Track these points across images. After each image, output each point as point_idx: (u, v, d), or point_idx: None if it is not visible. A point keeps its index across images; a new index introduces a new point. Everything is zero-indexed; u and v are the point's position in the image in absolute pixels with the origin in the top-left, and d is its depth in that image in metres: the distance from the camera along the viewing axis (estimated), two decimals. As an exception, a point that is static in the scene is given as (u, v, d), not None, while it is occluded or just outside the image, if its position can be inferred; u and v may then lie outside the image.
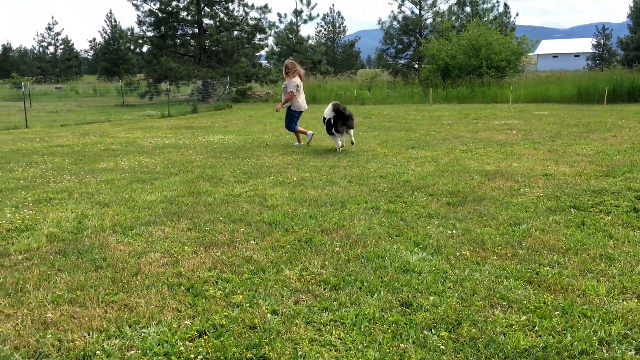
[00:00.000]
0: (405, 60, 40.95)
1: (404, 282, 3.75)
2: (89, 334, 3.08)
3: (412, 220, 5.40)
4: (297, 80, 11.60)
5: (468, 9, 40.38)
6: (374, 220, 5.40)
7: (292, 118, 11.79)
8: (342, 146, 10.60)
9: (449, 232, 4.93)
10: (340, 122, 10.33)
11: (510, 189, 6.66)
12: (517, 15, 50.98)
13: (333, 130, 10.42)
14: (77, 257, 4.43)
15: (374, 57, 54.09)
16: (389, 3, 42.62)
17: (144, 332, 3.08)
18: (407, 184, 7.13)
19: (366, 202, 6.16)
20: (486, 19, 35.96)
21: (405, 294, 3.55)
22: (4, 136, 14.84)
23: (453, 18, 38.01)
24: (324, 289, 3.69)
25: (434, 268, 4.02)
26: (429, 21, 39.62)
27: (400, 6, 39.84)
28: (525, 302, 3.41)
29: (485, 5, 40.38)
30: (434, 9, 39.23)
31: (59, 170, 8.82)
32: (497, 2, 41.39)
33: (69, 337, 3.04)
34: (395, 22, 39.73)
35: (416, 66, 39.39)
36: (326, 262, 4.19)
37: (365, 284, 3.72)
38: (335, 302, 3.44)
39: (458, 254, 4.33)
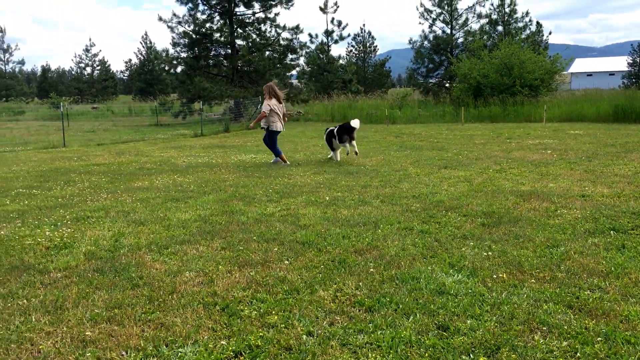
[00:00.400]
0: (436, 79, 40.87)
1: (440, 304, 3.70)
2: (126, 353, 3.11)
3: (446, 241, 5.34)
4: (272, 102, 11.87)
5: (500, 28, 40.20)
6: (408, 241, 5.36)
7: (272, 138, 12.12)
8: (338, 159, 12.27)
9: (485, 253, 4.86)
10: (345, 133, 12.10)
11: (546, 210, 6.55)
12: (550, 33, 50.41)
13: (335, 144, 12.29)
14: (114, 275, 4.50)
15: (405, 76, 54.11)
16: (419, 23, 42.62)
17: (181, 352, 3.11)
18: (441, 204, 7.07)
19: (399, 223, 6.13)
20: (518, 37, 35.69)
21: (442, 317, 3.50)
22: (43, 155, 15.23)
23: (485, 37, 37.85)
24: (359, 310, 3.66)
25: (470, 290, 3.96)
26: (460, 40, 39.55)
27: (431, 26, 39.87)
28: (566, 327, 3.33)
29: (517, 24, 40.13)
30: (466, 28, 39.16)
31: (96, 189, 9.00)
32: (530, 21, 40.94)
33: (107, 355, 3.08)
34: (426, 42, 39.76)
35: (447, 85, 39.26)
36: (360, 283, 4.17)
37: (401, 306, 3.69)
38: (370, 324, 3.42)
39: (495, 276, 4.26)
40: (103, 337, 3.31)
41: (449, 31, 39.53)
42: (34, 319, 3.59)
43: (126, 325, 3.48)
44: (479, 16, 39.24)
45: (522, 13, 41.31)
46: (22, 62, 78.54)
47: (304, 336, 3.27)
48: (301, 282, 4.24)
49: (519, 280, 4.17)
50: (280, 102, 12.05)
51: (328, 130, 12.69)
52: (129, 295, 4.02)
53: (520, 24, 40.38)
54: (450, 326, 3.37)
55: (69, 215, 6.88)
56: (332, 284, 4.17)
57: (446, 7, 39.09)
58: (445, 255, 4.86)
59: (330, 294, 3.97)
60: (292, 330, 3.36)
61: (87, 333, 3.36)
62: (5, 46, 70.85)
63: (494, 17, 40.72)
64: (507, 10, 40.68)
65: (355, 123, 12.10)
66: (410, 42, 40.62)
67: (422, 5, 39.57)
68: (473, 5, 38.85)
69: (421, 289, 4.00)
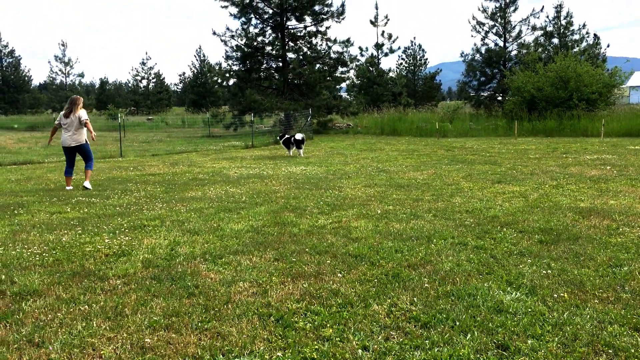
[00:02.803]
0: (489, 93, 40.22)
1: (499, 323, 3.61)
2: (184, 361, 3.16)
3: (502, 257, 5.22)
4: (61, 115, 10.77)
5: (556, 40, 39.32)
6: (462, 257, 5.27)
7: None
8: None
9: (544, 271, 4.72)
10: (300, 142, 17.98)
11: (607, 228, 6.32)
12: (608, 46, 48.82)
13: (291, 147, 18.07)
14: (171, 283, 4.58)
15: (456, 89, 53.53)
16: (472, 35, 42.06)
17: (237, 362, 3.13)
18: (495, 220, 6.93)
19: (453, 237, 6.03)
20: (575, 50, 34.81)
21: (501, 336, 3.41)
22: (101, 164, 15.73)
23: (540, 50, 37.07)
24: (415, 326, 3.61)
25: (529, 309, 3.85)
26: (513, 53, 38.83)
27: (483, 38, 39.34)
28: (632, 350, 3.20)
29: (574, 37, 39.18)
30: (519, 41, 38.44)
31: (152, 198, 9.22)
32: (587, 33, 39.89)
33: (166, 362, 3.13)
34: (478, 55, 39.23)
35: (500, 98, 38.59)
36: (415, 298, 4.12)
37: (458, 323, 3.61)
38: (427, 341, 3.36)
39: (555, 295, 4.13)
40: (162, 344, 3.37)
41: (502, 44, 38.89)
42: (95, 325, 3.68)
43: (183, 333, 3.54)
44: (534, 28, 38.46)
45: (579, 25, 40.27)
46: (81, 75, 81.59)
47: (360, 350, 3.25)
48: (355, 295, 4.22)
49: (581, 300, 4.03)
50: (67, 117, 10.58)
51: (286, 137, 18.34)
52: (185, 303, 4.09)
53: (577, 36, 39.41)
54: (510, 346, 3.28)
55: (126, 224, 7.06)
56: (386, 299, 4.13)
57: (499, 20, 38.50)
58: (502, 272, 4.74)
59: (385, 308, 3.93)
60: (347, 344, 3.34)
61: (146, 340, 3.43)
62: (66, 59, 73.79)
63: (549, 29, 39.89)
64: (563, 22, 39.80)
65: (298, 136, 18.03)
66: (461, 55, 40.18)
67: (474, 18, 39.10)
68: (527, 17, 38.09)
69: (478, 306, 3.91)
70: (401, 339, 3.41)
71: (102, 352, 3.27)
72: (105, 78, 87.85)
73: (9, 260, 5.30)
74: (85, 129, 10.64)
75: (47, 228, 6.84)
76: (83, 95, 77.39)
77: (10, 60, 70.53)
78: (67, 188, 10.58)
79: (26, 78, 72.11)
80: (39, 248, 5.78)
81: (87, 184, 10.61)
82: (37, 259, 5.37)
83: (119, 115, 25.44)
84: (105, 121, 47.28)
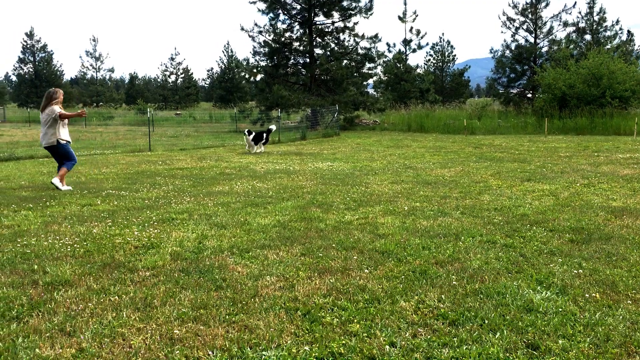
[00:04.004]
0: (518, 90, 39.68)
1: (529, 322, 3.56)
2: (213, 353, 3.18)
3: (532, 256, 5.15)
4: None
5: (588, 37, 38.58)
6: (491, 255, 5.21)
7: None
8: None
9: (575, 271, 4.64)
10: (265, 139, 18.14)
11: (641, 228, 6.18)
12: (642, 42, 47.88)
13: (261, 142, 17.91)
14: (199, 276, 4.62)
15: (484, 86, 52.91)
16: (501, 32, 41.53)
17: (265, 355, 3.14)
18: (525, 218, 6.83)
19: (481, 235, 5.97)
20: (608, 46, 34.10)
21: (531, 335, 3.36)
22: (130, 158, 15.95)
23: (571, 46, 36.41)
24: (442, 323, 3.58)
25: (560, 309, 3.78)
26: (544, 49, 38.23)
27: (514, 34, 38.80)
28: (667, 353, 3.12)
29: (607, 33, 38.37)
30: (550, 37, 37.82)
31: (180, 192, 9.31)
32: (620, 29, 39.07)
33: (195, 354, 3.16)
34: (508, 51, 38.72)
35: (529, 95, 38.03)
36: (443, 296, 4.08)
37: (487, 322, 3.57)
38: (455, 339, 3.33)
39: (587, 295, 4.05)
40: (190, 336, 3.40)
41: (532, 40, 38.32)
42: (125, 315, 3.74)
43: (211, 325, 3.56)
44: (565, 24, 37.81)
45: (612, 21, 39.54)
46: (112, 70, 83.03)
47: (387, 347, 3.23)
48: (382, 291, 4.20)
49: (614, 300, 3.95)
50: (42, 111, 9.78)
51: (257, 133, 18.02)
52: (213, 296, 4.12)
53: (610, 33, 38.61)
54: (540, 345, 3.23)
55: (155, 217, 7.14)
56: (413, 295, 4.10)
57: (530, 16, 37.93)
58: (531, 271, 4.68)
59: (412, 305, 3.91)
60: (374, 339, 3.33)
61: (175, 331, 3.46)
62: (97, 54, 74.97)
63: (582, 25, 39.17)
64: (595, 18, 39.04)
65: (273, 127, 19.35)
66: (491, 52, 39.70)
67: (504, 14, 38.68)
68: (559, 13, 37.48)
69: (507, 305, 3.86)
70: (429, 336, 3.38)
71: (132, 342, 3.32)
72: (134, 73, 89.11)
73: (42, 251, 5.40)
74: (59, 126, 9.59)
75: (78, 220, 6.95)
76: (113, 90, 78.72)
77: (43, 55, 71.92)
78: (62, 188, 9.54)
79: (58, 73, 73.48)
80: (70, 239, 5.88)
81: (55, 180, 9.53)
82: (69, 249, 5.47)
83: (148, 109, 25.75)
84: (134, 116, 47.98)
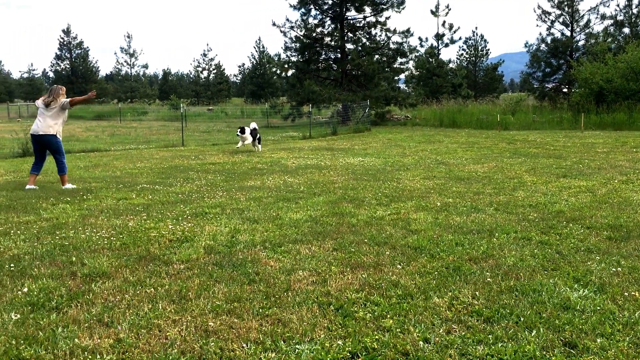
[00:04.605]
0: (553, 84, 38.91)
1: (566, 320, 3.49)
2: (247, 345, 3.21)
3: (568, 253, 5.05)
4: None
5: (627, 30, 37.56)
6: (526, 252, 5.13)
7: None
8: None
9: (613, 269, 4.54)
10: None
11: (682, 226, 6.00)
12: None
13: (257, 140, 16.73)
14: (232, 269, 4.66)
15: (518, 80, 52.07)
16: (537, 25, 40.77)
17: (298, 349, 3.16)
18: (561, 215, 6.71)
19: (516, 232, 5.88)
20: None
21: (568, 334, 3.30)
22: (164, 153, 16.18)
23: (609, 39, 35.51)
24: (477, 320, 3.54)
25: (598, 308, 3.71)
26: (581, 43, 37.39)
27: (549, 28, 38.03)
28: None
29: (646, 25, 37.31)
30: (587, 30, 36.97)
31: (212, 187, 9.40)
32: (661, 21, 37.94)
33: (229, 346, 3.19)
34: (543, 45, 37.98)
35: (565, 90, 37.27)
36: (477, 292, 4.04)
37: (522, 319, 3.52)
38: (490, 336, 3.29)
39: (626, 294, 3.96)
40: (224, 328, 3.44)
41: (568, 33, 37.51)
42: (160, 307, 3.79)
43: (245, 318, 3.60)
44: (603, 17, 36.90)
45: (652, 13, 38.34)
46: (145, 66, 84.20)
47: (421, 342, 3.21)
48: (415, 287, 4.18)
49: (654, 300, 3.85)
50: (44, 103, 9.59)
51: (253, 128, 16.77)
52: (246, 290, 4.15)
53: (650, 25, 37.50)
54: (578, 344, 3.17)
55: (188, 211, 7.23)
56: (447, 292, 4.07)
57: (566, 9, 37.13)
58: (568, 268, 4.59)
59: (446, 301, 3.87)
60: (408, 335, 3.31)
61: (209, 323, 3.50)
62: (131, 51, 76.16)
63: (620, 18, 38.15)
64: (634, 11, 37.98)
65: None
66: (525, 45, 39.00)
67: (539, 7, 37.83)
68: (596, 6, 36.64)
69: (544, 303, 3.80)
70: (463, 333, 3.35)
71: (167, 334, 3.37)
72: (168, 69, 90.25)
73: (79, 243, 5.52)
74: (61, 120, 9.55)
75: (114, 213, 7.08)
76: (147, 86, 79.83)
77: (79, 51, 73.43)
78: (27, 187, 9.24)
79: (94, 69, 74.95)
80: (107, 232, 6.00)
81: (67, 185, 9.39)
82: (106, 242, 5.57)
83: (181, 105, 26.06)
84: (167, 111, 48.62)
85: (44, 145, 9.54)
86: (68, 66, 72.81)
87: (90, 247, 5.38)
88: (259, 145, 16.93)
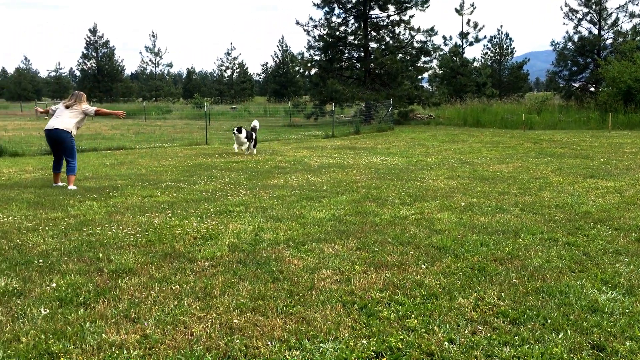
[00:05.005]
0: (580, 83, 38.27)
1: (594, 322, 3.44)
2: (271, 343, 3.22)
3: (596, 255, 4.97)
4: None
5: (656, 28, 36.74)
6: (553, 253, 5.06)
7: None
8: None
9: (643, 271, 4.46)
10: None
11: None
12: None
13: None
14: (256, 267, 4.68)
15: (544, 79, 51.42)
16: (563, 23, 40.21)
17: (323, 347, 3.16)
18: (588, 216, 6.60)
19: (542, 233, 5.81)
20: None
21: (597, 336, 3.25)
22: (188, 151, 16.32)
23: (638, 38, 34.82)
24: (503, 321, 3.51)
25: (627, 310, 3.64)
26: (609, 41, 36.70)
27: (576, 26, 37.39)
28: None
29: (676, 23, 36.48)
30: (616, 29, 36.27)
31: (236, 185, 9.46)
32: (692, 19, 37.03)
33: (254, 343, 3.21)
34: (570, 43, 37.36)
35: (592, 89, 36.64)
36: (502, 294, 4.00)
37: (549, 321, 3.48)
38: (516, 337, 3.26)
39: (656, 297, 3.88)
40: (249, 325, 3.45)
41: (596, 32, 36.85)
42: (186, 304, 3.83)
43: (269, 316, 3.61)
44: (632, 15, 36.13)
45: (683, 11, 37.45)
46: (170, 65, 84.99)
47: (446, 343, 3.19)
48: (439, 287, 4.15)
49: (686, 303, 3.77)
50: (66, 105, 9.65)
51: (253, 127, 15.67)
52: (270, 288, 4.17)
53: (680, 23, 36.66)
54: (606, 347, 3.12)
55: (212, 209, 7.28)
56: (472, 292, 4.03)
57: (594, 7, 36.46)
58: (596, 270, 4.52)
59: (471, 302, 3.84)
60: (432, 335, 3.29)
61: (234, 321, 3.53)
62: (156, 50, 76.92)
63: (649, 15, 37.34)
64: (665, 8, 37.15)
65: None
66: (552, 44, 38.41)
67: (566, 5, 37.22)
68: (625, 4, 35.85)
69: (571, 305, 3.75)
70: (489, 334, 3.32)
71: (193, 330, 3.40)
72: (192, 68, 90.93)
73: (106, 240, 5.60)
74: (80, 122, 9.57)
75: (140, 210, 7.17)
76: (171, 85, 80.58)
77: (105, 50, 74.47)
78: (54, 185, 9.46)
79: (119, 68, 75.97)
80: (133, 229, 6.07)
81: (71, 187, 9.17)
82: (131, 239, 5.64)
83: (205, 104, 26.25)
84: (191, 109, 49.02)
85: (56, 142, 9.46)
86: (94, 65, 73.90)
87: (117, 244, 5.46)
88: (254, 149, 15.51)
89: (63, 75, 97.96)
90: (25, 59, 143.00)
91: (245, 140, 15.00)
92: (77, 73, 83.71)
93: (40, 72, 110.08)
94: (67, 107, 9.56)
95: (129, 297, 3.97)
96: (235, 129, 15.13)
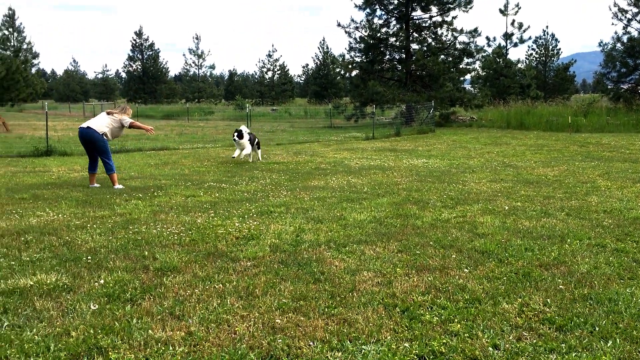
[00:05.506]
0: (629, 85, 37.10)
1: (645, 331, 3.34)
2: (313, 344, 3.24)
3: (647, 262, 4.82)
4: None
5: None
6: (601, 259, 4.93)
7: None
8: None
9: (697, 280, 4.30)
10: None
11: None
12: None
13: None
14: (297, 268, 4.71)
15: (591, 81, 50.08)
16: (612, 24, 39.07)
17: (365, 349, 3.16)
18: (638, 222, 6.41)
19: (589, 239, 5.66)
20: None
21: (648, 346, 3.15)
22: (229, 152, 16.50)
23: (691, 38, 33.56)
24: (549, 328, 3.44)
25: (680, 320, 3.52)
26: (660, 42, 35.44)
27: (626, 27, 36.26)
28: None
29: None
30: (667, 28, 35.04)
31: (277, 186, 9.53)
32: None
33: (296, 344, 3.23)
34: (618, 44, 36.28)
35: (642, 91, 35.47)
36: (548, 300, 3.91)
37: (597, 329, 3.39)
38: (563, 345, 3.19)
39: None
40: (291, 326, 3.48)
41: (646, 32, 35.67)
42: (229, 303, 3.88)
43: (311, 317, 3.63)
44: (685, 14, 34.87)
45: None
46: (212, 67, 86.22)
47: (490, 348, 3.15)
48: (482, 292, 4.09)
49: None
50: (108, 114, 9.80)
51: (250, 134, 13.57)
52: (312, 289, 4.19)
53: None
54: (658, 357, 3.02)
55: (254, 209, 7.35)
56: (516, 298, 3.96)
57: (645, 6, 35.33)
58: (647, 278, 4.38)
59: (516, 307, 3.78)
60: (476, 340, 3.25)
61: (276, 320, 3.56)
62: (199, 52, 78.17)
63: None
64: None
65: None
66: (599, 45, 37.38)
67: (615, 4, 36.17)
68: (678, 2, 34.61)
69: (620, 313, 3.64)
70: (534, 340, 3.26)
71: (236, 329, 3.44)
72: (234, 70, 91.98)
73: (151, 238, 5.72)
74: (115, 130, 9.61)
75: (183, 210, 7.30)
76: (213, 87, 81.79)
77: (150, 53, 76.09)
78: (90, 186, 9.56)
79: (163, 70, 77.51)
80: (177, 228, 6.18)
81: (117, 186, 9.39)
82: (175, 238, 5.75)
83: (247, 105, 26.53)
84: (233, 111, 49.62)
85: (88, 141, 9.50)
86: (140, 67, 75.58)
87: (161, 242, 5.57)
88: (259, 153, 14.11)
89: (110, 77, 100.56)
90: (74, 60, 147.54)
91: (248, 145, 13.20)
92: (123, 75, 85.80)
93: (87, 73, 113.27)
94: (108, 113, 9.78)
95: (173, 295, 4.05)
96: (235, 134, 13.05)
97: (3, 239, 5.67)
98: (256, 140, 13.77)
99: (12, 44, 48.85)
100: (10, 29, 49.41)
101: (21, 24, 50.64)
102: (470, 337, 3.30)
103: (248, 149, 13.22)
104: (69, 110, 55.91)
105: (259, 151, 14.10)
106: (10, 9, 50.55)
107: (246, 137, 13.00)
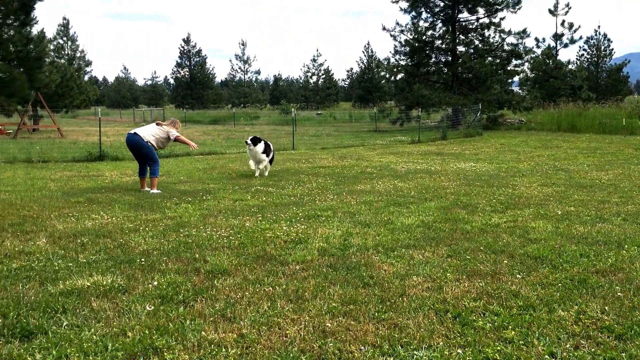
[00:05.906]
0: (687, 85, 35.67)
1: None
2: (364, 348, 3.22)
3: None
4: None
5: None
6: (661, 266, 4.74)
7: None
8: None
9: None
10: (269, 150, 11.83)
11: None
12: None
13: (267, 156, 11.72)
14: (346, 272, 4.70)
15: (646, 81, 48.38)
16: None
17: (417, 355, 3.13)
18: (700, 228, 6.14)
19: (648, 245, 5.46)
20: None
21: None
22: (275, 157, 16.64)
23: None
24: (608, 337, 3.33)
25: None
26: None
27: (683, 24, 34.93)
28: None
29: None
30: None
31: (323, 190, 9.55)
32: None
33: (347, 347, 3.23)
34: (675, 42, 34.93)
35: (701, 91, 34.03)
36: (606, 307, 3.79)
37: (660, 339, 3.26)
38: (623, 354, 3.08)
39: None
40: (341, 329, 3.48)
41: None
42: (279, 306, 3.91)
43: (361, 321, 3.61)
44: None
45: None
46: (258, 72, 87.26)
47: (547, 356, 3.07)
48: (537, 299, 4.00)
49: None
50: (158, 125, 10.02)
51: (265, 142, 11.76)
52: (361, 293, 4.17)
53: None
54: None
55: (301, 213, 7.38)
56: (572, 305, 3.85)
57: None
58: None
59: (572, 315, 3.67)
60: (532, 348, 3.17)
61: (327, 324, 3.56)
62: (245, 58, 79.22)
63: None
64: None
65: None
66: (655, 44, 36.06)
67: (672, 1, 34.85)
68: None
69: (684, 323, 3.50)
70: (593, 349, 3.16)
71: (287, 332, 3.46)
72: (279, 75, 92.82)
73: (201, 241, 5.81)
74: (161, 140, 9.78)
75: (232, 213, 7.39)
76: (259, 92, 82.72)
77: (198, 59, 77.54)
78: (141, 190, 9.72)
79: (210, 76, 78.87)
80: (226, 231, 6.27)
81: (153, 191, 9.48)
82: (225, 241, 5.83)
83: (292, 110, 26.72)
84: (278, 115, 50.04)
85: (134, 147, 9.68)
86: (187, 73, 77.11)
87: (212, 245, 5.65)
88: (269, 165, 12.11)
89: (158, 83, 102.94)
90: (125, 68, 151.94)
91: (264, 156, 11.60)
92: (171, 81, 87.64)
93: (137, 80, 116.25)
94: (157, 124, 10.01)
95: (224, 297, 4.10)
96: (250, 138, 11.66)
97: (61, 240, 5.87)
98: (272, 152, 12.03)
99: (66, 52, 50.58)
100: (65, 38, 51.18)
101: (75, 32, 52.24)
102: (525, 345, 3.22)
103: (264, 160, 11.70)
104: (120, 116, 57.55)
105: (269, 165, 12.13)
106: (64, 18, 52.33)
107: (261, 145, 11.49)
